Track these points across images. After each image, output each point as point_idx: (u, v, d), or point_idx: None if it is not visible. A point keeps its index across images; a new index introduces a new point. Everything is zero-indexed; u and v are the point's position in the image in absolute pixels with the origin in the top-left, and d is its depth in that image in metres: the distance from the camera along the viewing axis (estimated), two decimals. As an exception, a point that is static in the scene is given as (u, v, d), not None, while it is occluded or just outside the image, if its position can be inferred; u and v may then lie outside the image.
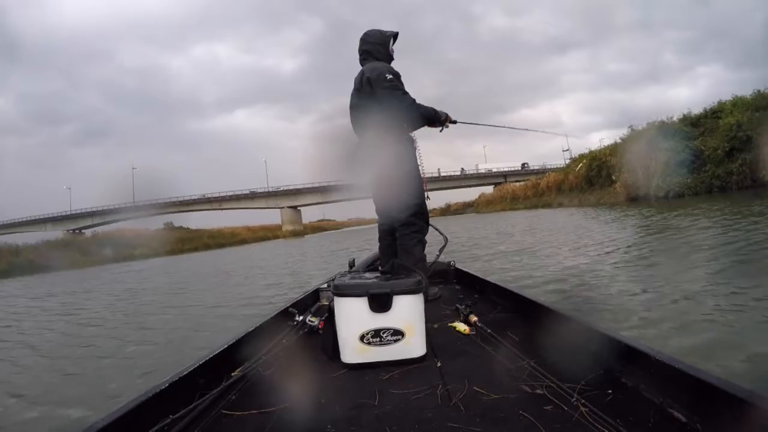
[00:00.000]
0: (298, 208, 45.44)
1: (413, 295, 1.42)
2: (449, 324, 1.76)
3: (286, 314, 1.88)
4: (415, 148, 2.11)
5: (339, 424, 1.02)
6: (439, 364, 1.36)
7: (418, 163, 2.12)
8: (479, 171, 51.53)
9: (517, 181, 43.15)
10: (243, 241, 35.65)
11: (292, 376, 1.37)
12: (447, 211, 56.44)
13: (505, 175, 49.00)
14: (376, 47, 2.09)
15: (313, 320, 1.77)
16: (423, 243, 2.05)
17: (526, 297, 1.78)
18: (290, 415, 1.09)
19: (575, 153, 32.92)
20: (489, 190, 48.49)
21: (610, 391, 1.05)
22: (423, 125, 2.13)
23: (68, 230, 41.12)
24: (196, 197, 45.57)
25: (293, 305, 1.98)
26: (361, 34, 2.14)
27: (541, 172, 40.93)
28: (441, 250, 2.16)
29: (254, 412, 1.12)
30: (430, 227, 2.13)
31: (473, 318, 1.72)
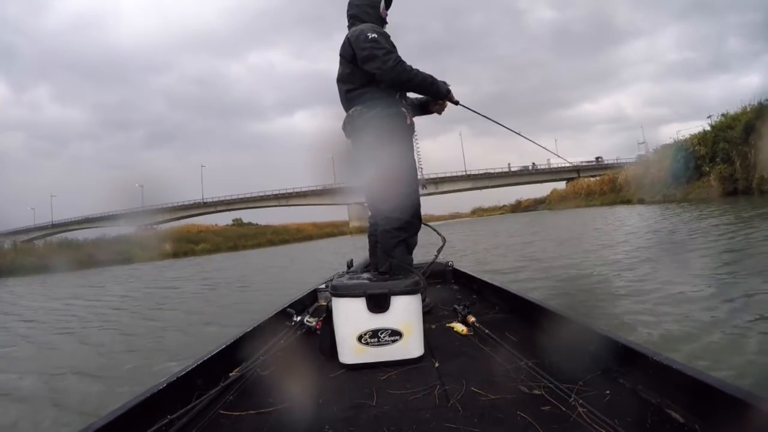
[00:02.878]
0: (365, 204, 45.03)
1: (411, 296, 1.42)
2: (447, 324, 1.76)
3: (283, 314, 1.88)
4: (408, 126, 1.86)
5: (337, 425, 1.02)
6: (436, 365, 1.36)
7: (415, 147, 1.89)
8: (551, 166, 47.13)
9: (591, 176, 40.32)
10: (308, 237, 35.98)
11: (289, 376, 1.36)
12: (517, 207, 54.51)
13: (578, 170, 44.59)
14: (364, 9, 1.87)
15: (311, 320, 1.77)
16: (409, 244, 1.85)
17: (524, 297, 1.78)
18: (288, 416, 1.09)
19: (650, 147, 29.60)
20: (561, 185, 45.76)
21: (607, 392, 1.05)
22: (414, 90, 1.87)
23: (142, 225, 41.30)
24: (262, 194, 46.50)
25: (291, 305, 1.98)
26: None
27: (617, 166, 38.46)
28: (439, 251, 2.15)
29: (252, 412, 1.12)
30: (428, 228, 2.05)
31: (471, 318, 1.72)
